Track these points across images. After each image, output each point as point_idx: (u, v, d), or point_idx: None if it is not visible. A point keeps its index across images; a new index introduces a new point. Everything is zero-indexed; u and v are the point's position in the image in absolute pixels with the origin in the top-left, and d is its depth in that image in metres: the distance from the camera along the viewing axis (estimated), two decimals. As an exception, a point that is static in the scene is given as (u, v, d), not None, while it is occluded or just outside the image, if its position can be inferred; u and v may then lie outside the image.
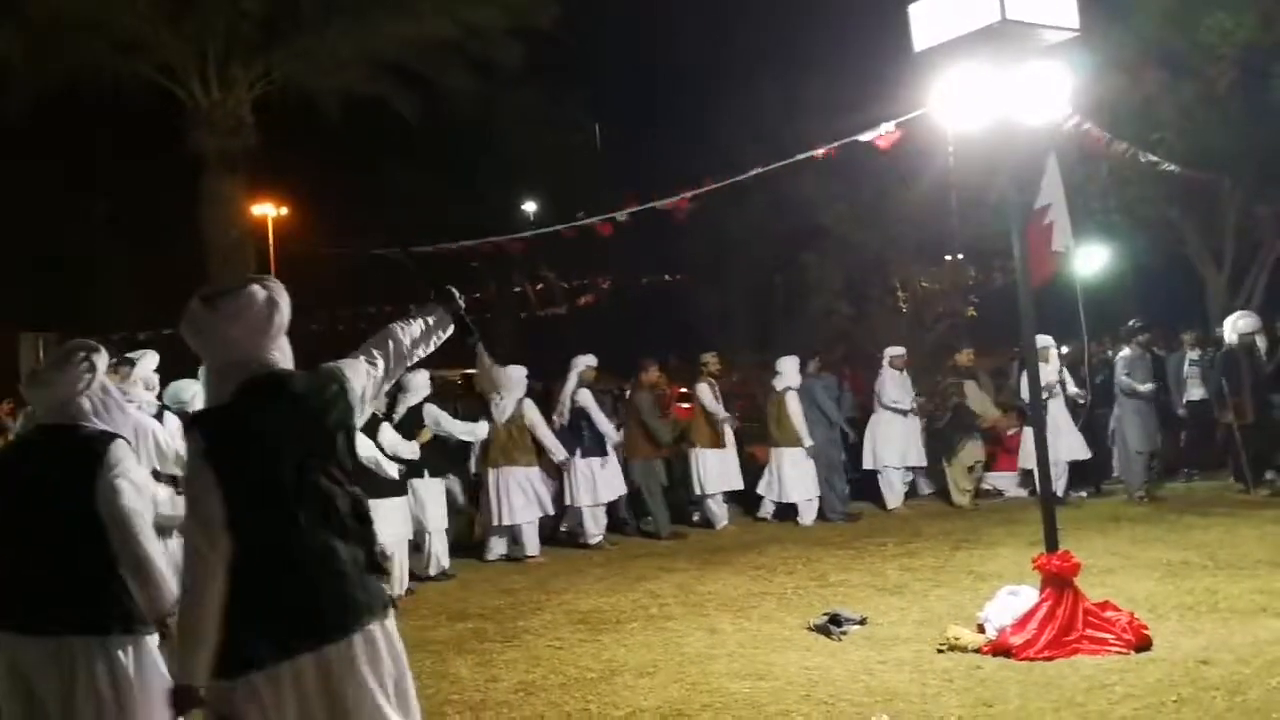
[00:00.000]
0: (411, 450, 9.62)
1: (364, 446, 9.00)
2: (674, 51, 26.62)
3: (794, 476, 12.26)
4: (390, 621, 3.21)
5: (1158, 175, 12.85)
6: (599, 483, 11.41)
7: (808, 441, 12.18)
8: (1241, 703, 5.26)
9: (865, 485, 13.31)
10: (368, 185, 26.95)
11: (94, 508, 3.81)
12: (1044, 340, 12.08)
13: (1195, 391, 13.59)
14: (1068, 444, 12.29)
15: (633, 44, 27.42)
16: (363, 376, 3.33)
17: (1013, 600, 6.73)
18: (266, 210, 26.31)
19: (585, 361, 11.75)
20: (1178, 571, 8.32)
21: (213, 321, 3.20)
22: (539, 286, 29.17)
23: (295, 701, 2.99)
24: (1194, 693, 5.45)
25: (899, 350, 13.40)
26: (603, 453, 11.44)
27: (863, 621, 7.30)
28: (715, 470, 12.15)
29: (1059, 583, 6.47)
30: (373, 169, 26.39)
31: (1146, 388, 12.46)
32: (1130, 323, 13.08)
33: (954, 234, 22.41)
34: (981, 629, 6.69)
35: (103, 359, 4.06)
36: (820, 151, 10.28)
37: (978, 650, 6.42)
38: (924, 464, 13.26)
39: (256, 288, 3.26)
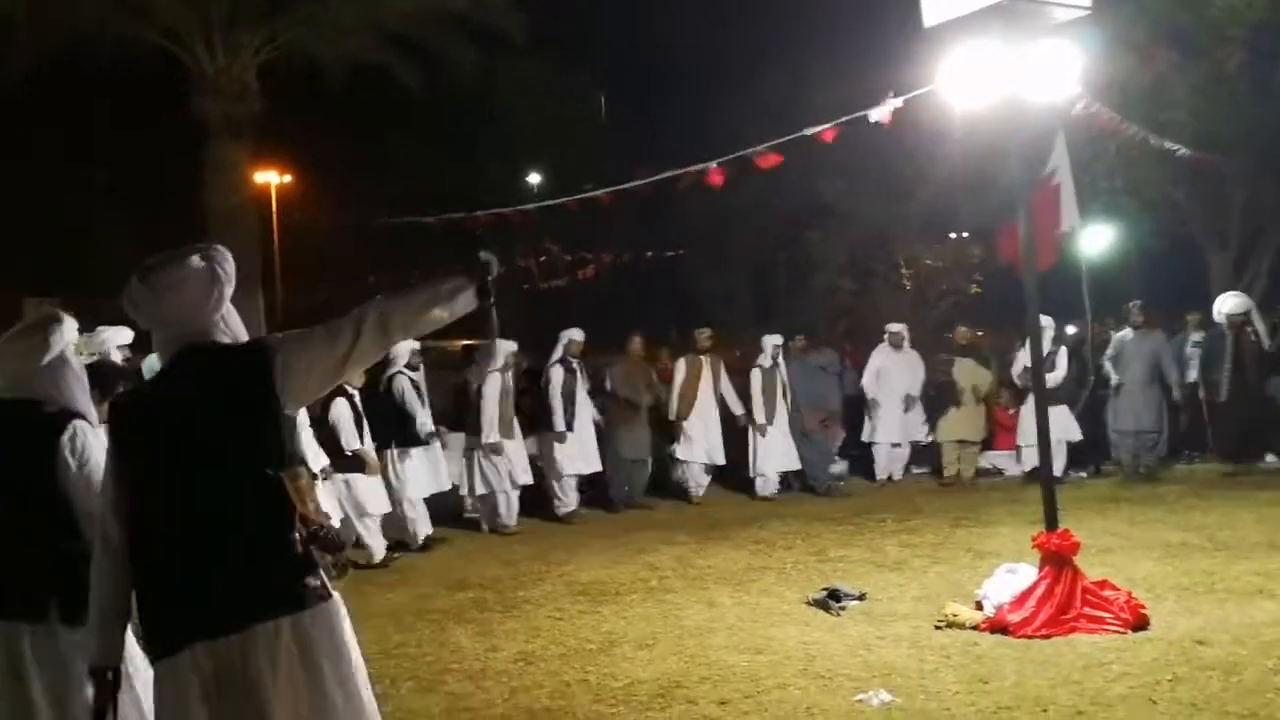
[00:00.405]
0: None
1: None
2: (680, 25, 26.46)
3: (763, 450, 12.47)
4: (317, 613, 2.93)
5: (1164, 156, 12.79)
6: (562, 456, 11.47)
7: (760, 419, 12.40)
8: (1237, 683, 5.29)
9: (867, 461, 13.45)
10: (371, 154, 26.86)
11: (54, 487, 3.68)
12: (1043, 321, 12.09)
13: (1196, 373, 13.58)
14: (1059, 424, 12.31)
15: (638, 16, 27.25)
16: (310, 350, 3.01)
17: (1011, 578, 6.76)
18: (269, 177, 26.23)
19: (571, 335, 11.75)
20: (1176, 552, 8.35)
21: (147, 295, 3.04)
22: (542, 259, 29.08)
23: (198, 692, 2.84)
24: (1190, 672, 5.48)
25: (897, 327, 13.44)
26: (574, 428, 11.51)
27: (861, 597, 7.34)
28: (698, 440, 12.39)
29: (1058, 561, 6.50)
30: (376, 138, 26.30)
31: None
32: (1132, 303, 13.08)
33: (959, 212, 22.34)
34: (980, 606, 6.72)
35: (66, 332, 3.85)
36: (827, 127, 10.22)
37: (975, 627, 6.45)
38: (924, 440, 13.33)
39: (195, 258, 3.10)
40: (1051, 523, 6.73)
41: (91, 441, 3.74)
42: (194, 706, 2.84)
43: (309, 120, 22.47)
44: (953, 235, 24.54)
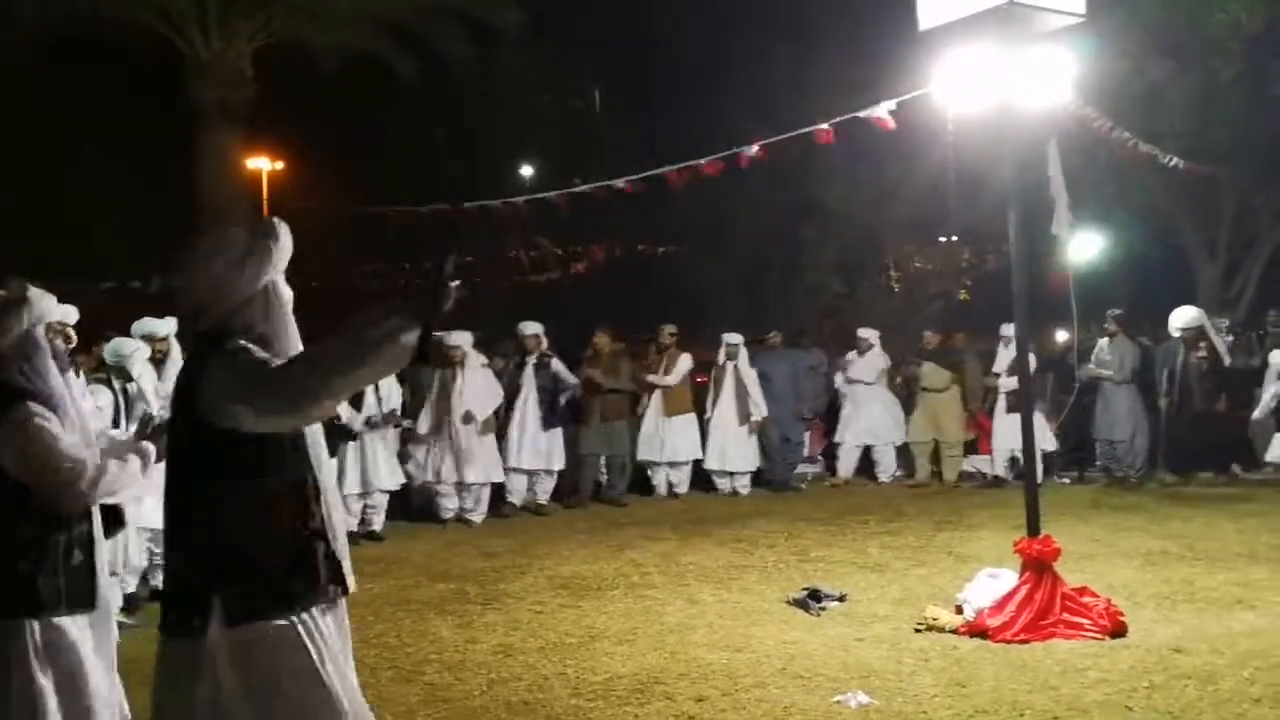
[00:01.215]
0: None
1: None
2: (677, 21, 26.41)
3: (715, 448, 12.52)
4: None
5: (1156, 165, 12.84)
6: (524, 450, 11.46)
7: (708, 414, 12.47)
8: (1213, 692, 5.31)
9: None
10: (365, 144, 26.78)
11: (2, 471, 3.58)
12: (1011, 329, 12.28)
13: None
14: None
15: (636, 11, 27.19)
16: (218, 383, 2.82)
17: (992, 583, 6.78)
18: (262, 164, 26.14)
19: (529, 329, 11.55)
20: (1156, 560, 8.38)
21: (188, 261, 2.97)
22: (533, 252, 29.06)
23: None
24: (1166, 680, 5.50)
25: (866, 333, 13.48)
26: (546, 424, 11.48)
27: (842, 598, 7.35)
28: (672, 438, 12.32)
29: (1039, 567, 6.52)
30: (370, 128, 26.22)
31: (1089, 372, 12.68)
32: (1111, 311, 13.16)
33: (950, 216, 22.39)
34: (960, 610, 6.73)
35: (28, 313, 3.65)
36: (825, 126, 10.24)
37: (955, 631, 6.47)
38: (897, 442, 13.38)
39: (238, 230, 2.98)
40: (1034, 528, 6.75)
41: (39, 423, 3.53)
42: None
43: (303, 108, 22.40)
44: (943, 239, 24.60)
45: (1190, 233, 18.18)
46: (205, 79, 15.42)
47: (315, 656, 2.87)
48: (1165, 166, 12.75)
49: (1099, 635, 6.25)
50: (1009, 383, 12.47)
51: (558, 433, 11.65)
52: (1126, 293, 20.42)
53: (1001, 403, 12.70)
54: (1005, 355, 12.71)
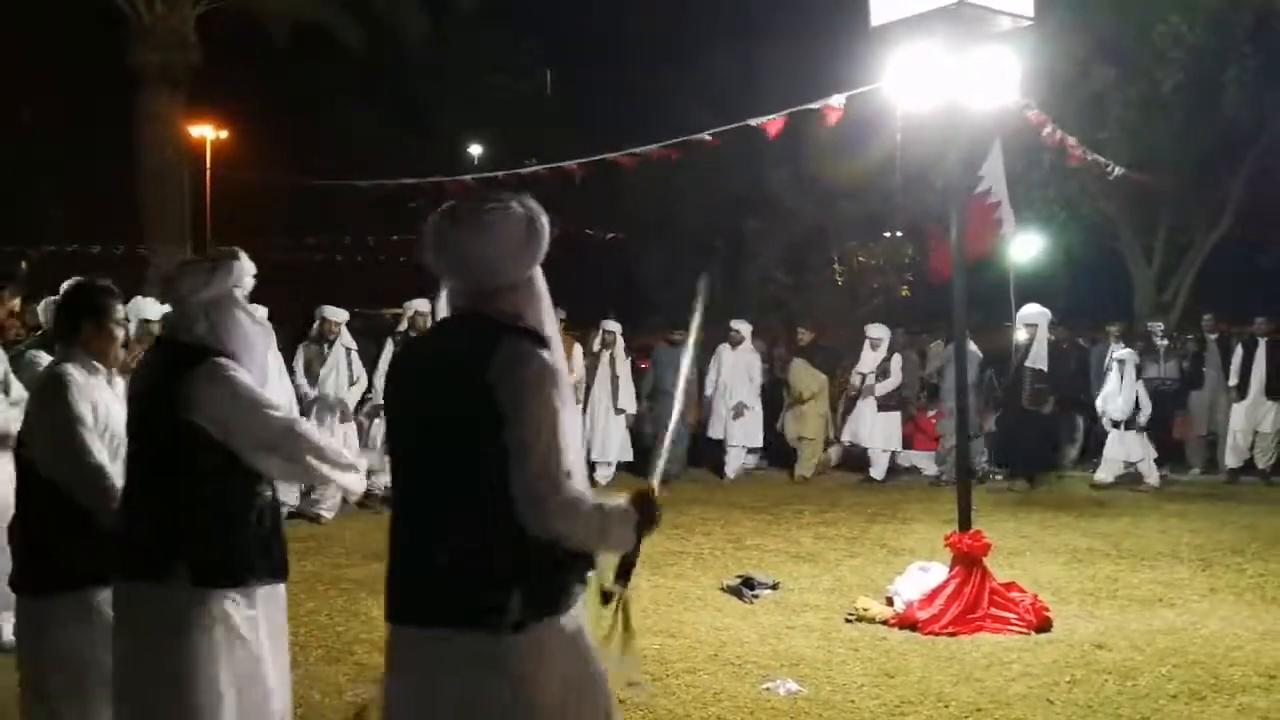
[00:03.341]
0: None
1: None
2: (631, 8, 26.36)
3: (598, 438, 12.43)
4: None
5: (1098, 169, 13.03)
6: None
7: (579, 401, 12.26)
8: (1131, 687, 5.43)
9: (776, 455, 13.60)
10: (312, 116, 26.46)
11: None
12: (879, 331, 13.06)
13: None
14: (886, 431, 12.89)
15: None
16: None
17: (923, 576, 6.87)
18: (205, 132, 25.72)
19: (416, 305, 10.70)
20: (1082, 558, 8.54)
21: (449, 235, 2.66)
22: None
23: None
24: (1087, 675, 5.62)
25: (738, 325, 13.41)
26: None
27: (775, 586, 7.41)
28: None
29: (968, 561, 6.62)
30: (319, 100, 25.90)
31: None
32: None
33: (895, 212, 22.58)
34: (890, 601, 6.82)
35: (231, 273, 3.46)
36: (773, 118, 10.26)
37: (885, 622, 6.55)
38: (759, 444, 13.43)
39: (516, 206, 2.70)
40: (965, 523, 6.85)
41: (237, 373, 3.36)
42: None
43: (250, 77, 22.10)
44: (887, 234, 24.81)
45: (1128, 237, 18.49)
46: (146, 43, 15.10)
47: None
48: (1104, 174, 12.93)
49: (1024, 630, 6.37)
50: (883, 385, 12.79)
51: None
52: (1065, 294, 20.80)
53: (871, 403, 12.85)
54: (872, 357, 12.99)
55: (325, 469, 3.37)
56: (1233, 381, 12.99)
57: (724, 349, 13.23)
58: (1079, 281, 21.64)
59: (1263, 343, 12.81)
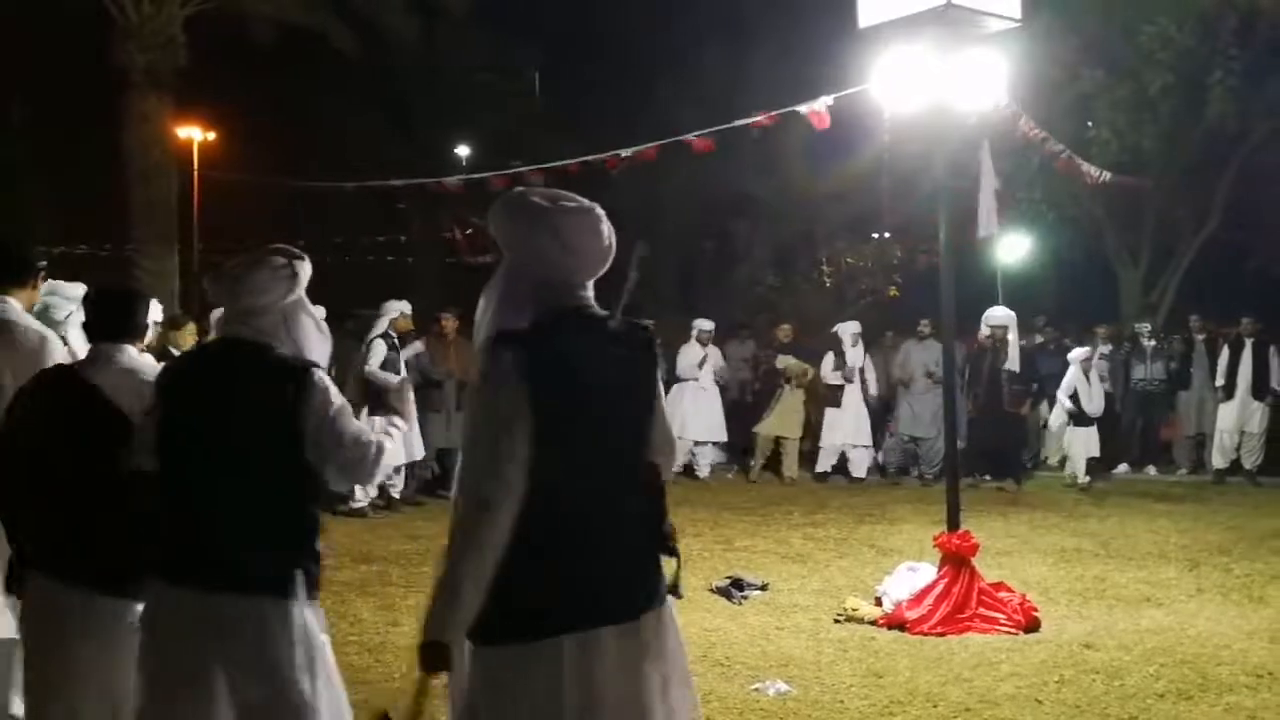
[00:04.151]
0: None
1: None
2: (619, 9, 26.34)
3: None
4: (670, 611, 2.83)
5: (1092, 182, 13.07)
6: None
7: None
8: (1119, 687, 5.45)
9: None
10: (300, 117, 26.37)
11: None
12: (850, 326, 13.20)
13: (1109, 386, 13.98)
14: (851, 429, 13.09)
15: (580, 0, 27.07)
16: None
17: (911, 576, 6.89)
18: (193, 133, 25.62)
19: (397, 308, 10.79)
20: (1071, 558, 8.57)
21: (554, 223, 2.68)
22: (468, 232, 28.83)
23: (574, 680, 2.54)
24: (1075, 675, 5.64)
25: (699, 324, 13.51)
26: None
27: (764, 587, 7.42)
28: None
29: (957, 562, 6.63)
30: (306, 101, 25.82)
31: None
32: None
33: (883, 214, 22.60)
34: (879, 602, 6.84)
35: (301, 278, 3.38)
36: (761, 119, 10.27)
37: (874, 622, 6.56)
38: (724, 439, 13.55)
39: (599, 210, 2.77)
40: (953, 524, 6.86)
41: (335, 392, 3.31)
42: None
43: (237, 78, 22.01)
44: (875, 236, 24.86)
45: (1115, 238, 18.55)
46: (134, 43, 15.06)
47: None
48: (1091, 179, 12.96)
49: (1013, 630, 6.38)
50: (834, 377, 12.93)
51: None
52: (1053, 295, 20.87)
53: (852, 402, 13.00)
54: (855, 353, 13.09)
55: (379, 472, 3.40)
56: (1219, 382, 13.07)
57: (693, 346, 13.37)
58: (1066, 283, 21.71)
59: (1249, 343, 12.88)
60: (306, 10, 16.44)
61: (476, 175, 14.30)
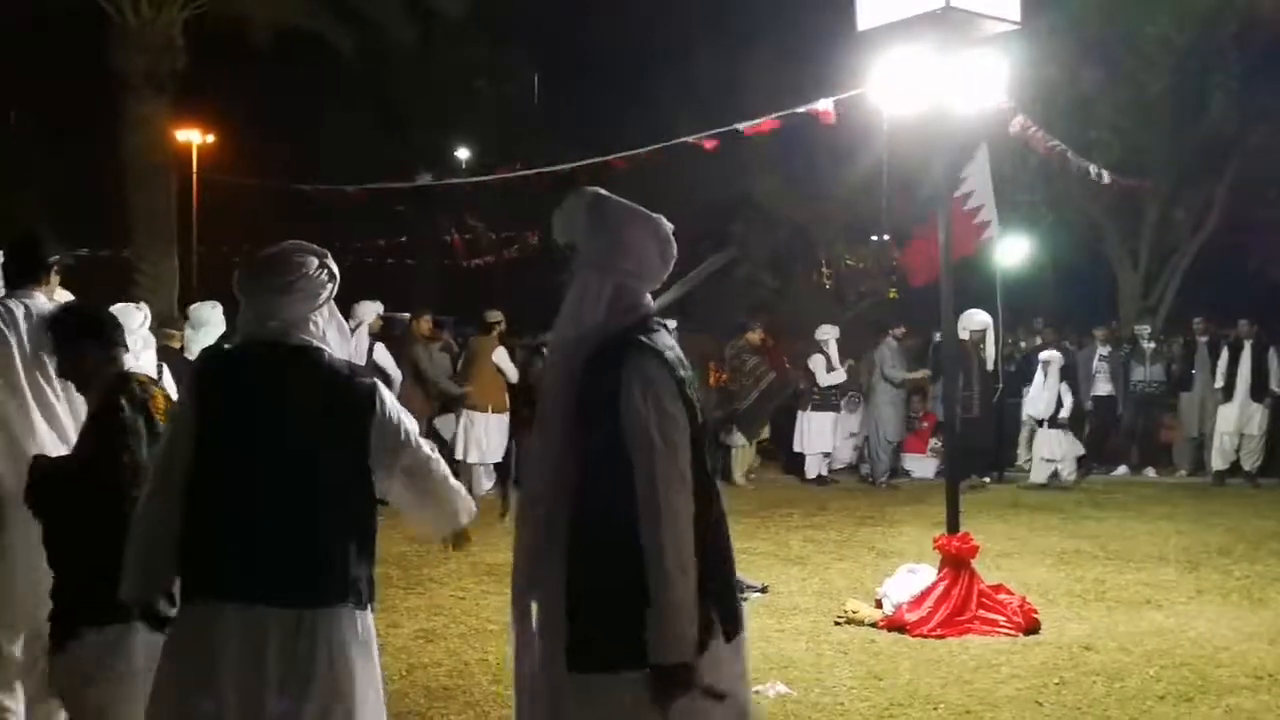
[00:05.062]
0: None
1: None
2: (617, 13, 26.33)
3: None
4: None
5: (1083, 173, 13.09)
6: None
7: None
8: (1119, 689, 5.45)
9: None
10: (299, 120, 26.38)
11: None
12: (831, 330, 13.27)
13: (1103, 387, 14.00)
14: (827, 431, 13.22)
15: (576, 1, 27.05)
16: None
17: (911, 578, 6.88)
18: (192, 136, 25.63)
19: (372, 309, 10.68)
20: (1070, 560, 8.57)
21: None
22: (467, 236, 28.85)
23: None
24: (1076, 676, 5.63)
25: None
26: None
27: (764, 589, 7.42)
28: (481, 436, 11.28)
29: (957, 564, 6.63)
30: (306, 104, 25.84)
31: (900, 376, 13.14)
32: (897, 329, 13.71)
33: (882, 215, 22.58)
34: (879, 604, 6.83)
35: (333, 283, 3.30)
36: (762, 122, 10.28)
37: (874, 625, 6.56)
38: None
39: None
40: (953, 526, 6.86)
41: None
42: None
43: (237, 81, 22.02)
44: (875, 237, 24.86)
45: (1114, 240, 18.56)
46: (132, 47, 15.06)
47: None
48: (1091, 179, 12.98)
49: (1013, 632, 6.38)
50: (834, 377, 13.06)
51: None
52: (1052, 297, 20.86)
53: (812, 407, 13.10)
54: (823, 359, 13.16)
55: (447, 502, 3.39)
56: (1218, 384, 13.07)
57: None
58: (1065, 285, 21.71)
59: (1248, 345, 12.88)
60: (305, 13, 16.44)
61: (475, 179, 14.32)
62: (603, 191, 2.82)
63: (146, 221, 15.36)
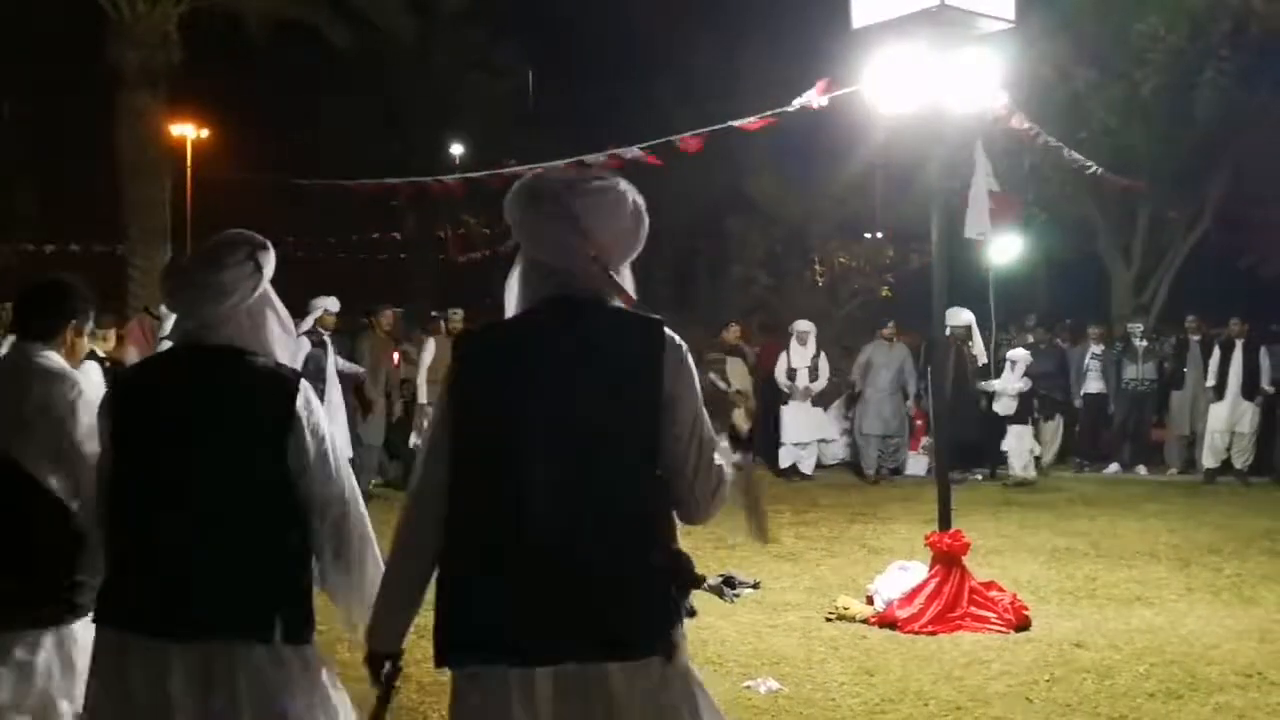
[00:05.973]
0: None
1: None
2: (613, 9, 26.35)
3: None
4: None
5: (1077, 171, 13.11)
6: None
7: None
8: (1109, 686, 5.47)
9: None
10: (293, 114, 26.37)
11: None
12: (801, 325, 13.37)
13: (1094, 384, 14.03)
14: (814, 425, 13.35)
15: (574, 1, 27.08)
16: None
17: (902, 575, 6.90)
18: (186, 131, 25.61)
19: (324, 305, 10.54)
20: (1061, 557, 8.59)
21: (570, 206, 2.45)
22: (460, 231, 28.83)
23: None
24: (1066, 673, 5.66)
25: None
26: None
27: (756, 585, 7.43)
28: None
29: (948, 561, 6.65)
30: (300, 98, 25.82)
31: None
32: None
33: (876, 214, 22.62)
34: (870, 600, 6.85)
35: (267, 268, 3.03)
36: (755, 120, 10.27)
37: (865, 621, 6.58)
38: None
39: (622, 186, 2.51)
40: (945, 523, 6.88)
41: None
42: None
43: (231, 75, 22.02)
44: (868, 235, 24.90)
45: (1107, 239, 18.61)
46: (127, 41, 15.04)
47: None
48: (1085, 173, 13.01)
49: (1004, 628, 6.40)
50: (815, 385, 13.15)
51: None
52: (1045, 295, 20.90)
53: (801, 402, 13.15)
54: (804, 352, 13.23)
55: (369, 568, 2.95)
56: (1210, 382, 13.09)
57: None
58: (1058, 283, 21.76)
59: (1239, 344, 12.91)
60: (300, 7, 16.42)
61: (470, 175, 14.31)
62: (525, 178, 2.63)
63: (141, 217, 15.34)
